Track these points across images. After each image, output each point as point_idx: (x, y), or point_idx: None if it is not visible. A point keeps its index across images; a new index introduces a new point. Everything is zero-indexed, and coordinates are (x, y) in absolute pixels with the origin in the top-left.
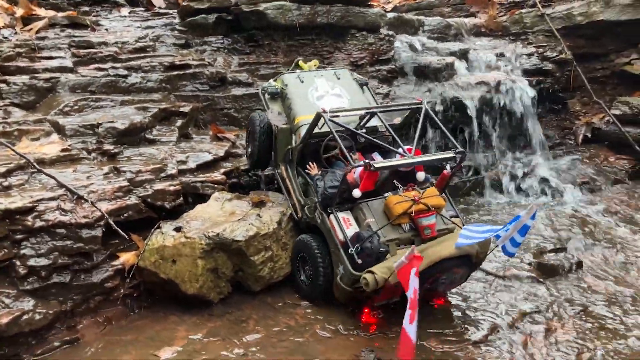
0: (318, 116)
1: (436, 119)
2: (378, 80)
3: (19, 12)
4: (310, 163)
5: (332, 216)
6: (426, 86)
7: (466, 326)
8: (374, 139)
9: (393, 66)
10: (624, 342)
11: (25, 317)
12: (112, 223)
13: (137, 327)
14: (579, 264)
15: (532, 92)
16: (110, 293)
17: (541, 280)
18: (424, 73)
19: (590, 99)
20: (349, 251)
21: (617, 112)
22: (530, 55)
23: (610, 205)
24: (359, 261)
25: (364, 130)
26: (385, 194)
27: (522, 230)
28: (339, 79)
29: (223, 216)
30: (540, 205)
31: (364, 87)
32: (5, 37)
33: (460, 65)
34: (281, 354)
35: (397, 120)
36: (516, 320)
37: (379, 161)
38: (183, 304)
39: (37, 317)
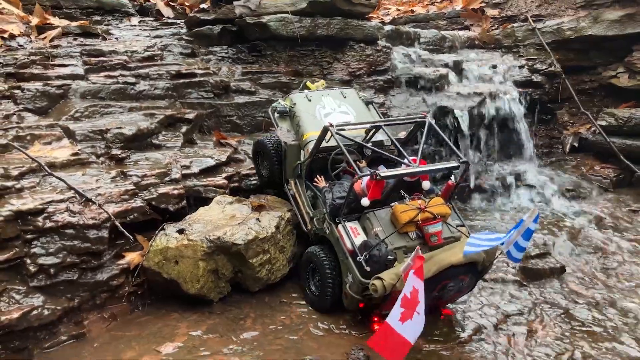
0: (325, 130)
1: (440, 132)
2: (374, 90)
3: (34, 21)
4: (317, 176)
5: (340, 226)
6: (420, 96)
7: (452, 326)
8: (380, 150)
9: (389, 77)
10: (602, 345)
11: (34, 312)
12: (118, 224)
13: (141, 323)
14: (562, 269)
15: (522, 103)
16: (116, 290)
17: (525, 283)
18: (419, 83)
19: (578, 110)
20: (358, 259)
21: (604, 123)
22: (521, 67)
23: (594, 213)
24: (368, 269)
25: (370, 144)
26: (392, 204)
27: (526, 235)
28: (345, 97)
29: (224, 219)
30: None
31: (370, 106)
32: (21, 45)
33: (453, 77)
34: (276, 350)
35: (402, 134)
36: (500, 322)
37: (385, 170)
38: (184, 302)
39: (46, 312)
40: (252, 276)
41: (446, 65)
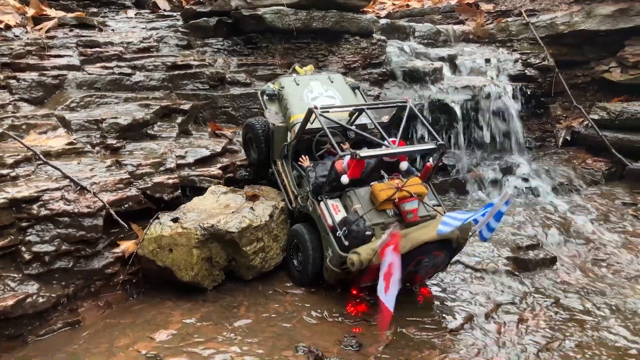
0: (310, 112)
1: (420, 115)
2: (369, 83)
3: (30, 12)
4: (302, 156)
5: (322, 203)
6: (415, 89)
7: (444, 315)
8: (363, 133)
9: (384, 70)
10: (592, 333)
11: (29, 299)
12: (113, 213)
13: (135, 311)
14: (553, 260)
15: (515, 97)
16: (111, 279)
17: (516, 274)
18: (413, 76)
19: (571, 104)
20: (337, 234)
21: (596, 116)
22: (515, 61)
23: (585, 205)
24: (346, 243)
25: (354, 127)
26: (372, 183)
27: (497, 216)
28: (332, 82)
29: (218, 208)
30: (512, 195)
31: (356, 91)
32: (17, 36)
33: (448, 70)
34: (269, 338)
35: (385, 118)
36: (491, 311)
37: (365, 150)
38: (178, 290)
39: (41, 300)
40: (246, 264)
41: (441, 59)
